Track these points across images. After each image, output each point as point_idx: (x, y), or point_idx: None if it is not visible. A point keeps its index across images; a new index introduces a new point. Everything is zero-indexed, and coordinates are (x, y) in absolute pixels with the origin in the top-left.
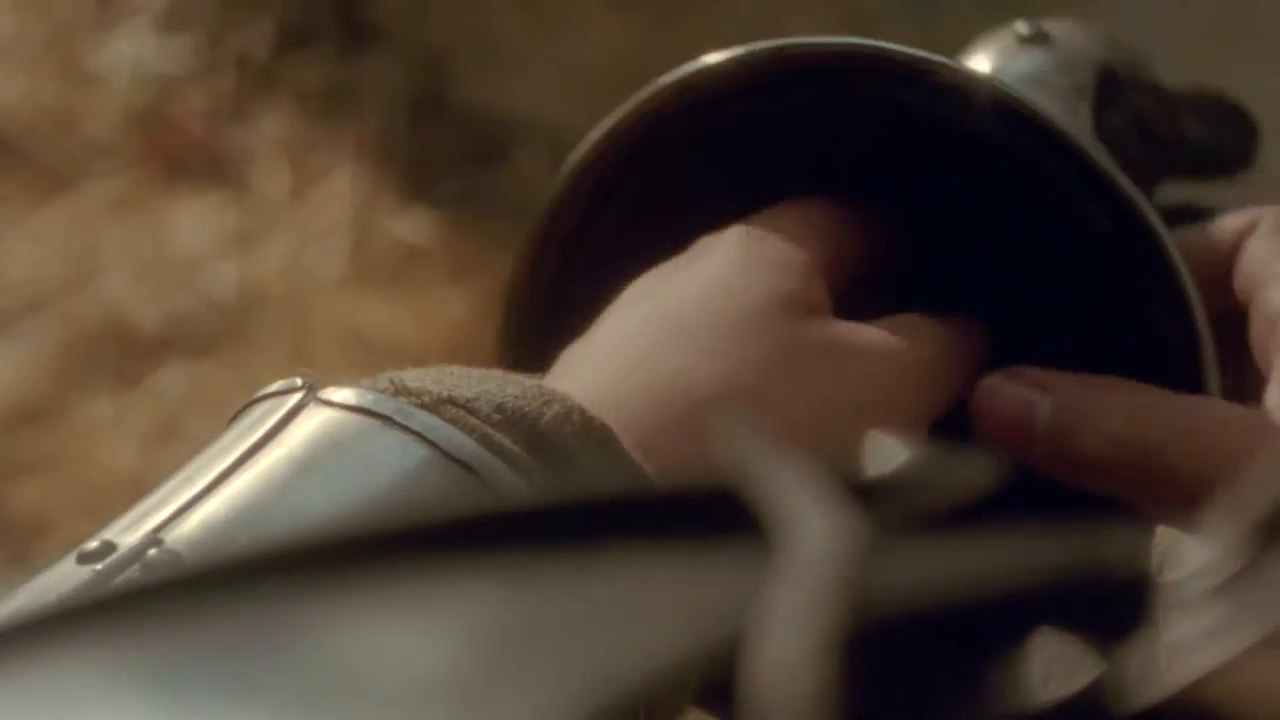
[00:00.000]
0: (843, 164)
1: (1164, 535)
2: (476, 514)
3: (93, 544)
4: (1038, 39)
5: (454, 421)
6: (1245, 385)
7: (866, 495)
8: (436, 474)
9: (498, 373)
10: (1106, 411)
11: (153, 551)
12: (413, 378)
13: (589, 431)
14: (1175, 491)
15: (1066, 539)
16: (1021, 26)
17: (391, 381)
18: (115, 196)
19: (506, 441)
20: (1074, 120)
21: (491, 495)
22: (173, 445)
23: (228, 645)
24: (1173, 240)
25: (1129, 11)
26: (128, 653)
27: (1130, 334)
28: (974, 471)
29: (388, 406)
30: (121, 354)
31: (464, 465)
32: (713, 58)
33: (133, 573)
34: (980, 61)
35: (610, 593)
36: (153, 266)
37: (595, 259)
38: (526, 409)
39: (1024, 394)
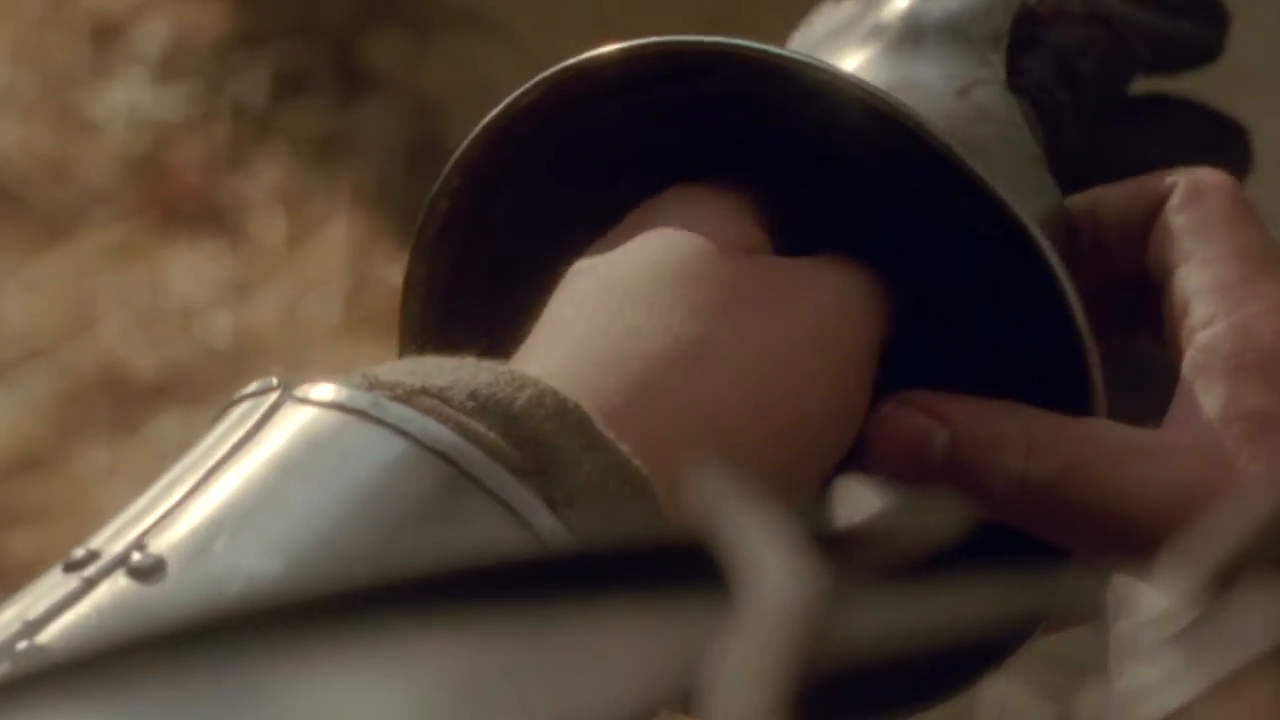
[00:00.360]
0: (729, 157)
1: (1119, 581)
2: (441, 569)
3: (79, 552)
4: None
5: (429, 412)
6: (1159, 362)
7: (835, 544)
8: (415, 465)
9: (470, 360)
10: (1002, 444)
11: (136, 556)
12: (385, 371)
13: (563, 414)
14: (1074, 526)
15: (1023, 585)
16: None
17: (365, 376)
18: (112, 244)
19: (482, 429)
20: (986, 73)
21: (470, 484)
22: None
23: (201, 703)
24: (1053, 250)
25: None
26: (107, 712)
27: (1018, 342)
28: (945, 520)
29: (362, 401)
30: (118, 402)
31: (441, 455)
32: (591, 53)
33: (118, 577)
34: (895, 8)
35: (572, 644)
36: (150, 314)
37: (490, 249)
38: (500, 395)
39: (920, 423)
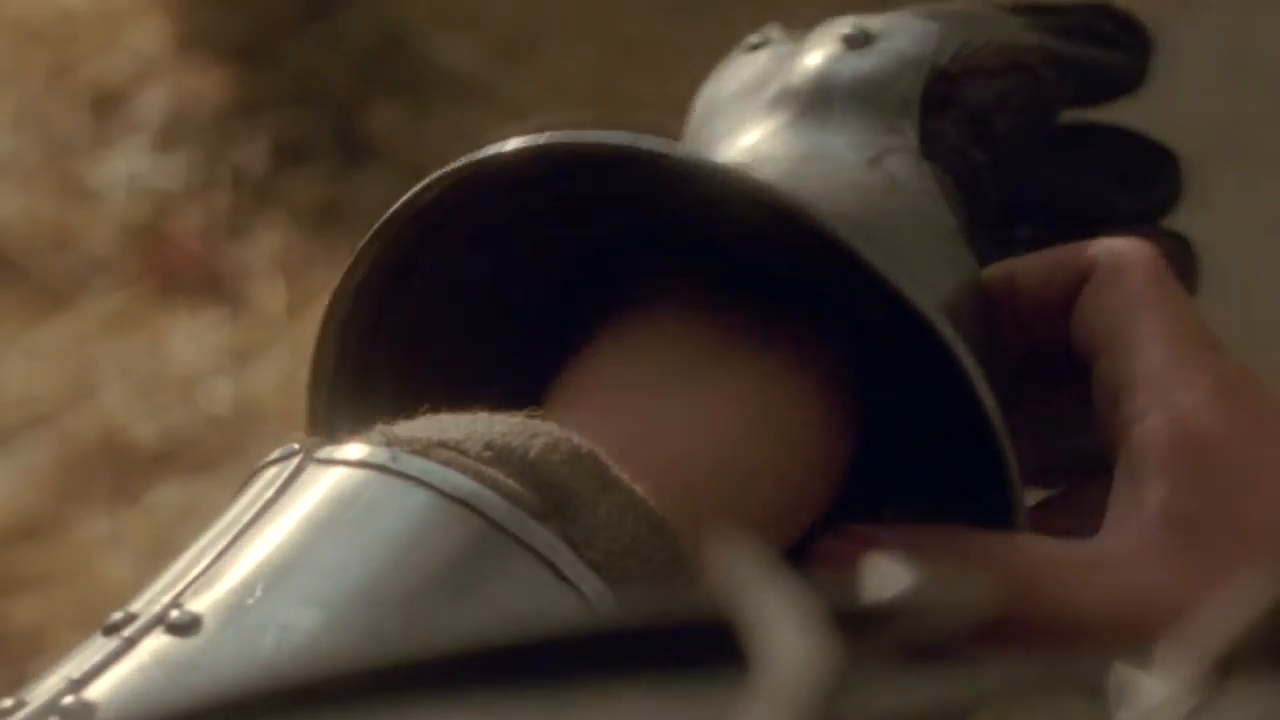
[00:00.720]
0: (643, 241)
1: (1119, 669)
2: (456, 649)
3: (117, 615)
4: (862, 40)
5: (447, 463)
6: (1087, 433)
7: (855, 621)
8: (437, 514)
9: (483, 414)
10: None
11: (174, 613)
12: (402, 428)
13: (577, 458)
14: (1020, 645)
15: (1032, 669)
16: (845, 26)
17: (382, 433)
18: (113, 312)
19: (500, 476)
20: (898, 141)
21: (492, 529)
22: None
23: None
24: (966, 351)
25: None
26: None
27: (935, 444)
28: (969, 599)
29: (381, 456)
30: (119, 470)
31: (462, 503)
32: (480, 154)
33: (157, 634)
34: (804, 71)
35: None
36: (150, 382)
37: (399, 335)
38: (514, 443)
39: (858, 559)
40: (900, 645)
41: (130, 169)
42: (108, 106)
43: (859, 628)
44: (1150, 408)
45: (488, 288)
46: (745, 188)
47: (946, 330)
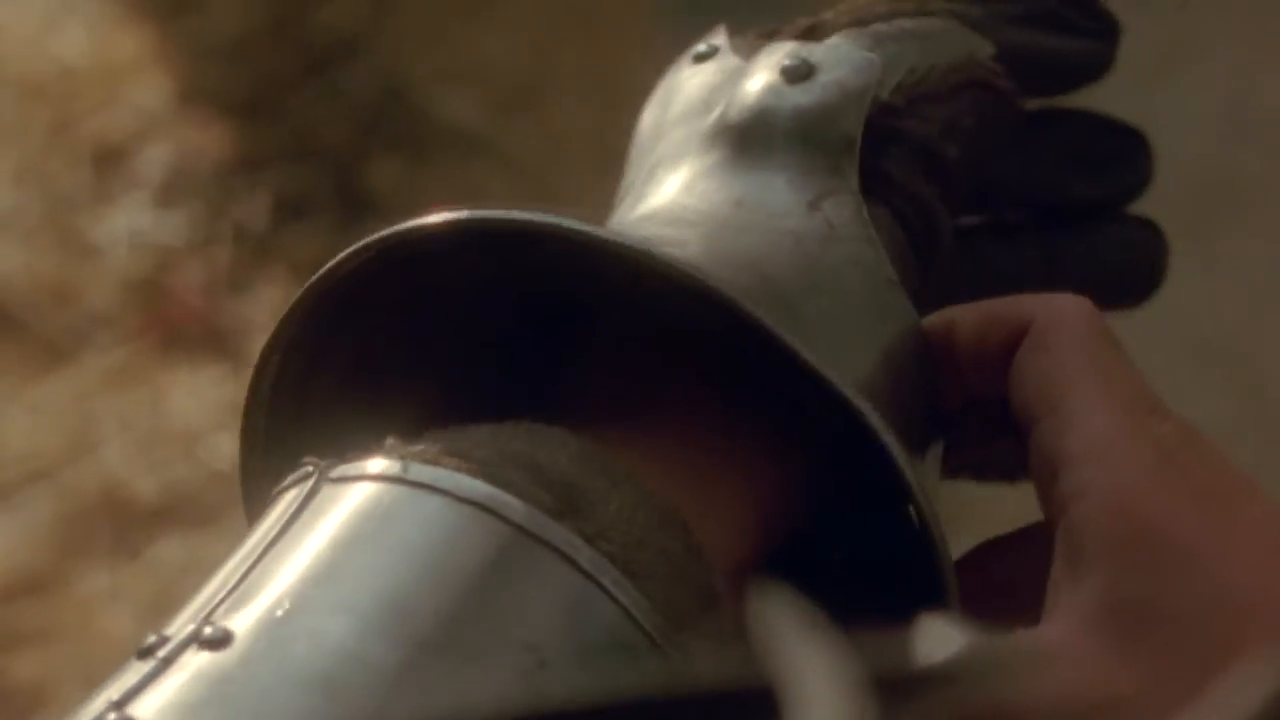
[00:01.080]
0: (568, 307)
1: None
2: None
3: (151, 639)
4: (803, 73)
5: (458, 469)
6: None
7: (906, 686)
8: (454, 519)
9: (485, 425)
10: None
11: (207, 630)
12: (411, 445)
13: (586, 457)
14: None
15: None
16: (786, 55)
17: (392, 447)
18: (114, 368)
19: (513, 477)
20: (838, 182)
21: (508, 527)
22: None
23: None
24: (903, 453)
25: None
26: None
27: (866, 526)
28: (1020, 664)
29: (394, 468)
30: (120, 525)
31: (477, 505)
32: (415, 223)
33: (192, 651)
34: (743, 105)
35: None
36: (151, 437)
37: (328, 396)
38: (522, 446)
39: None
40: (950, 713)
41: (131, 224)
42: (109, 162)
43: (906, 691)
44: (1088, 485)
45: (403, 358)
46: (660, 268)
47: (874, 420)
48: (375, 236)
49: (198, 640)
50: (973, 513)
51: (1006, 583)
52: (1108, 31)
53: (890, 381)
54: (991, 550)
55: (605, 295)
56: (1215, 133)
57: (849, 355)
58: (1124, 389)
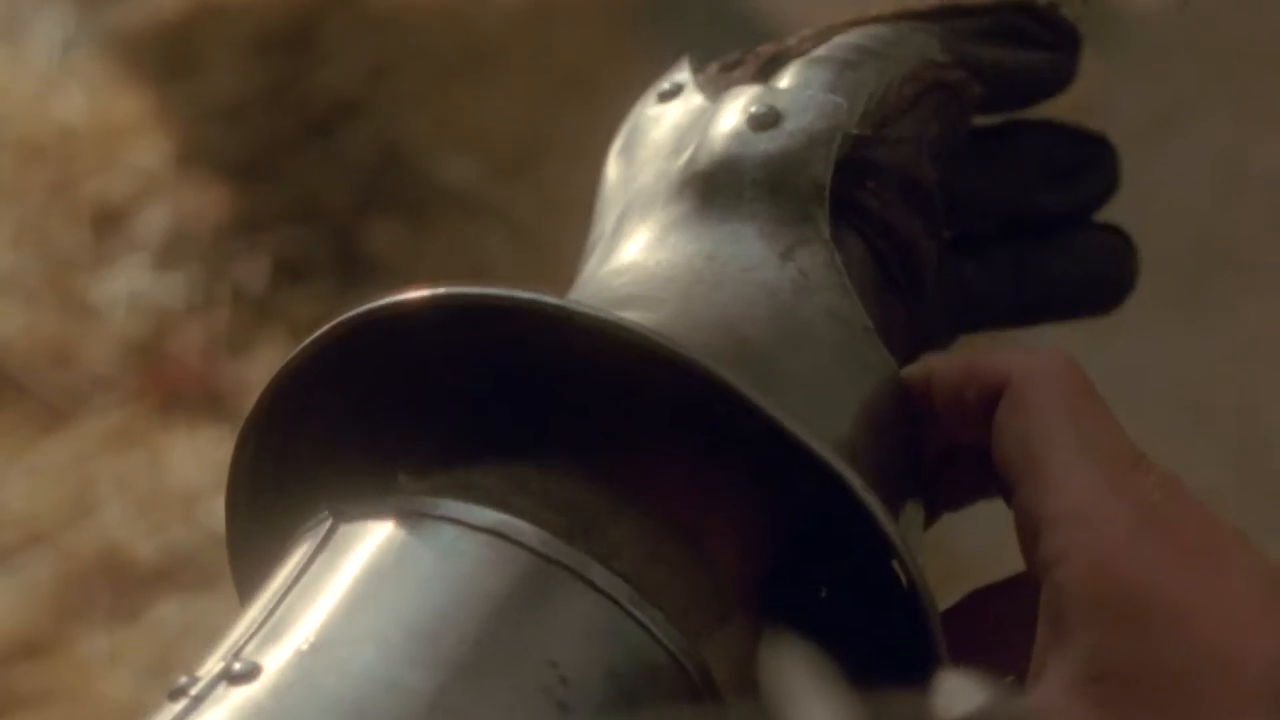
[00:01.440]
0: (546, 387)
1: None
2: None
3: (181, 680)
4: (770, 120)
5: (468, 499)
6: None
7: None
8: (468, 545)
9: (490, 458)
10: None
11: (236, 666)
12: (419, 481)
13: (591, 480)
14: None
15: None
16: (755, 105)
17: (404, 485)
18: (113, 429)
19: (523, 504)
20: (809, 230)
21: (522, 551)
22: (170, 679)
23: None
24: (887, 515)
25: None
26: None
27: (857, 583)
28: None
29: (407, 504)
30: (119, 587)
31: (490, 532)
32: (386, 300)
33: (222, 687)
34: (711, 154)
35: None
36: (150, 500)
37: (308, 463)
38: (528, 474)
39: None
40: None
41: (131, 286)
42: (108, 224)
43: None
44: (1069, 548)
45: (383, 430)
46: (635, 340)
47: (857, 486)
48: (340, 319)
49: (227, 677)
50: (966, 571)
51: (996, 632)
52: (1068, 43)
53: (870, 436)
54: (981, 599)
55: (589, 354)
56: (1211, 194)
57: (828, 411)
58: (1102, 447)
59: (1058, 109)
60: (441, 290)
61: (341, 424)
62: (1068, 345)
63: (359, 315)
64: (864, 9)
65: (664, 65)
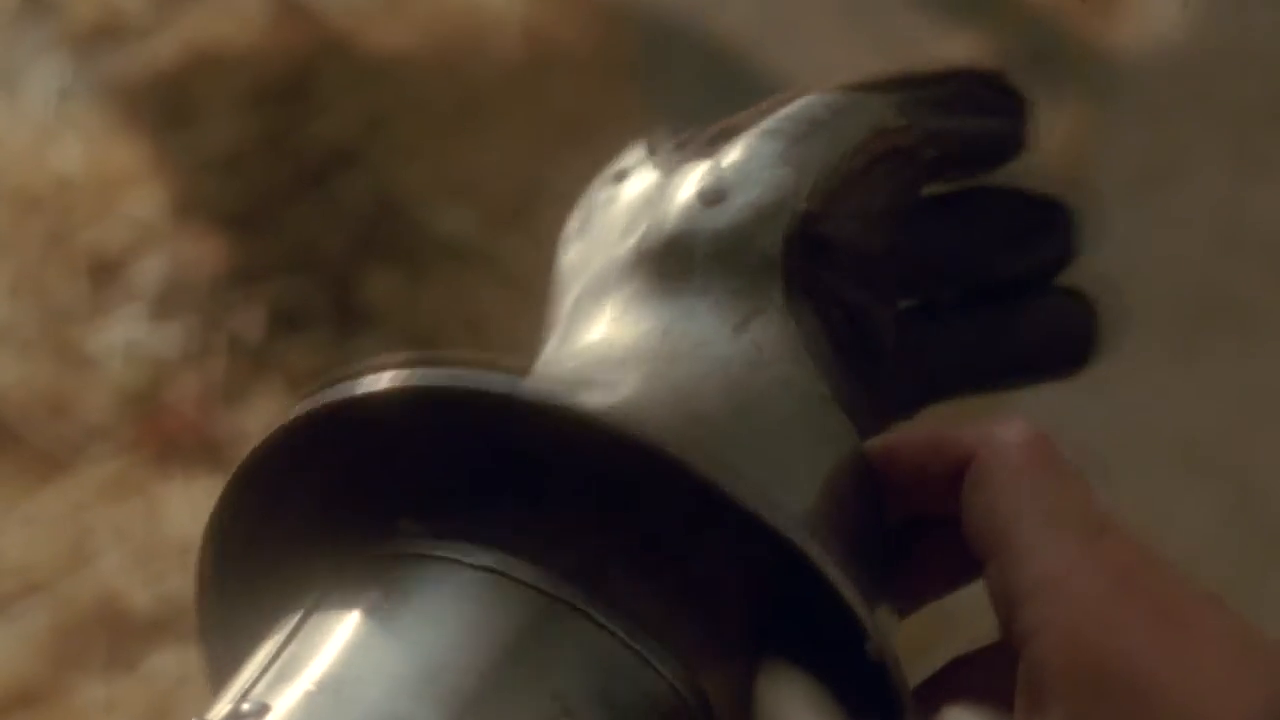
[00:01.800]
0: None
1: None
2: None
3: None
4: (718, 196)
5: (465, 538)
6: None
7: None
8: (470, 584)
9: (481, 499)
10: None
11: (245, 706)
12: (417, 524)
13: (590, 519)
14: None
15: None
16: (703, 179)
17: (401, 529)
18: (109, 479)
19: (523, 544)
20: (763, 302)
21: (518, 586)
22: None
23: None
24: (854, 592)
25: None
26: None
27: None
28: None
29: (404, 547)
30: (115, 637)
31: (488, 570)
32: (359, 386)
33: None
34: (661, 232)
35: None
36: (147, 549)
37: (283, 539)
38: (527, 518)
39: None
40: None
41: (127, 336)
42: (105, 274)
43: None
44: (1042, 622)
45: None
46: (589, 423)
47: (824, 563)
48: (293, 416)
49: (236, 717)
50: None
51: (976, 699)
52: (1021, 110)
53: (833, 507)
54: (963, 667)
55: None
56: (1208, 245)
57: (789, 484)
58: (1070, 517)
59: (1056, 162)
60: (395, 383)
61: (330, 489)
62: (1064, 398)
63: (311, 412)
64: (839, 70)
65: (659, 117)
